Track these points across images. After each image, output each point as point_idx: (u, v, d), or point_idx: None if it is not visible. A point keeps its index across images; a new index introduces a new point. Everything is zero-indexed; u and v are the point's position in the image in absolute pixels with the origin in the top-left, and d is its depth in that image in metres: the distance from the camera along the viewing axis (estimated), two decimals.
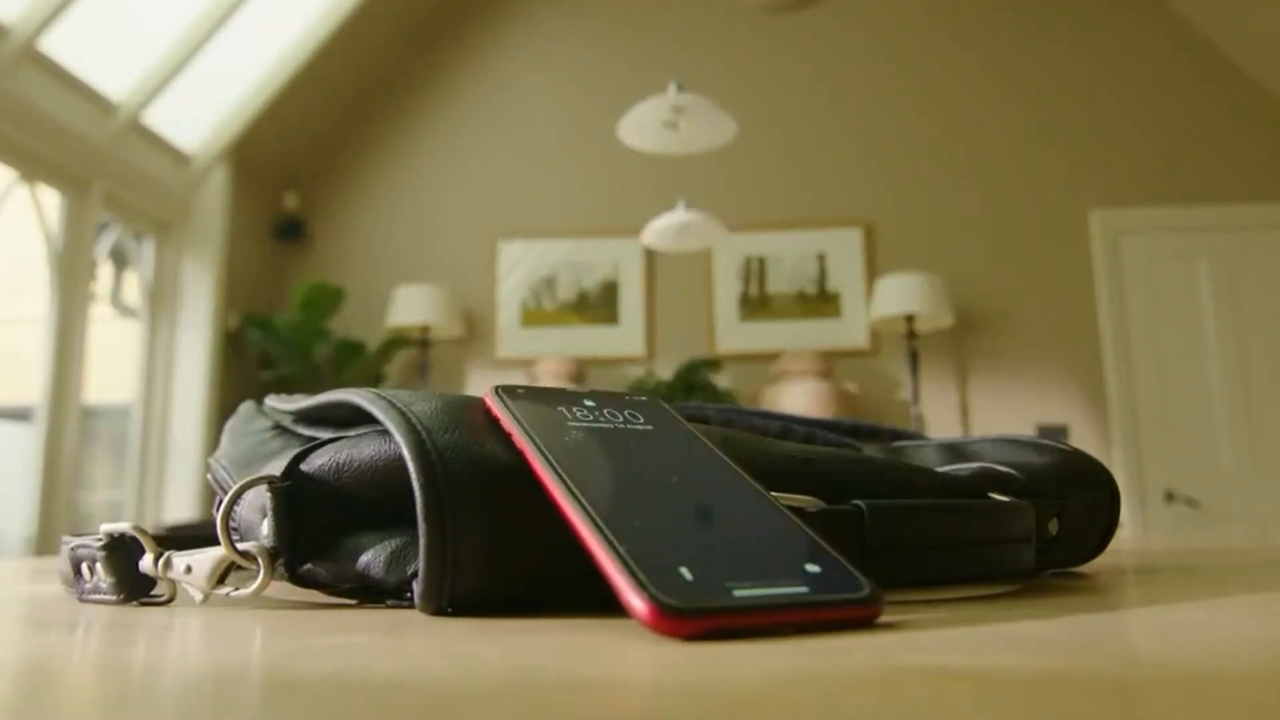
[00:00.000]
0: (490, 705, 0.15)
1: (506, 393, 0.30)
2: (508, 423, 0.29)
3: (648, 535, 0.23)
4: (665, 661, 0.19)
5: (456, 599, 0.26)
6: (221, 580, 0.30)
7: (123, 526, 0.32)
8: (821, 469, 0.33)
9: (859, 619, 0.22)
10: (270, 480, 0.30)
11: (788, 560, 0.24)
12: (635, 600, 0.21)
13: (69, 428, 2.78)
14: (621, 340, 3.62)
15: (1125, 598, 0.31)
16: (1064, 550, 0.38)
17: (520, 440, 0.28)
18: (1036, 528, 0.35)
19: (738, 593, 0.21)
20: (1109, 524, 0.42)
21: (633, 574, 0.21)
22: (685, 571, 0.22)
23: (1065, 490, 0.39)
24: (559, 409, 0.30)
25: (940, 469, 0.37)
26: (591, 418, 0.31)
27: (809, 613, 0.22)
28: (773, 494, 0.28)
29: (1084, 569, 0.43)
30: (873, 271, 3.56)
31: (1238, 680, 0.16)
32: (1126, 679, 0.16)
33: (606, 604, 0.25)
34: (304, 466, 0.31)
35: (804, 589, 0.22)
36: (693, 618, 0.20)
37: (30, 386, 2.79)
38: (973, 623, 0.24)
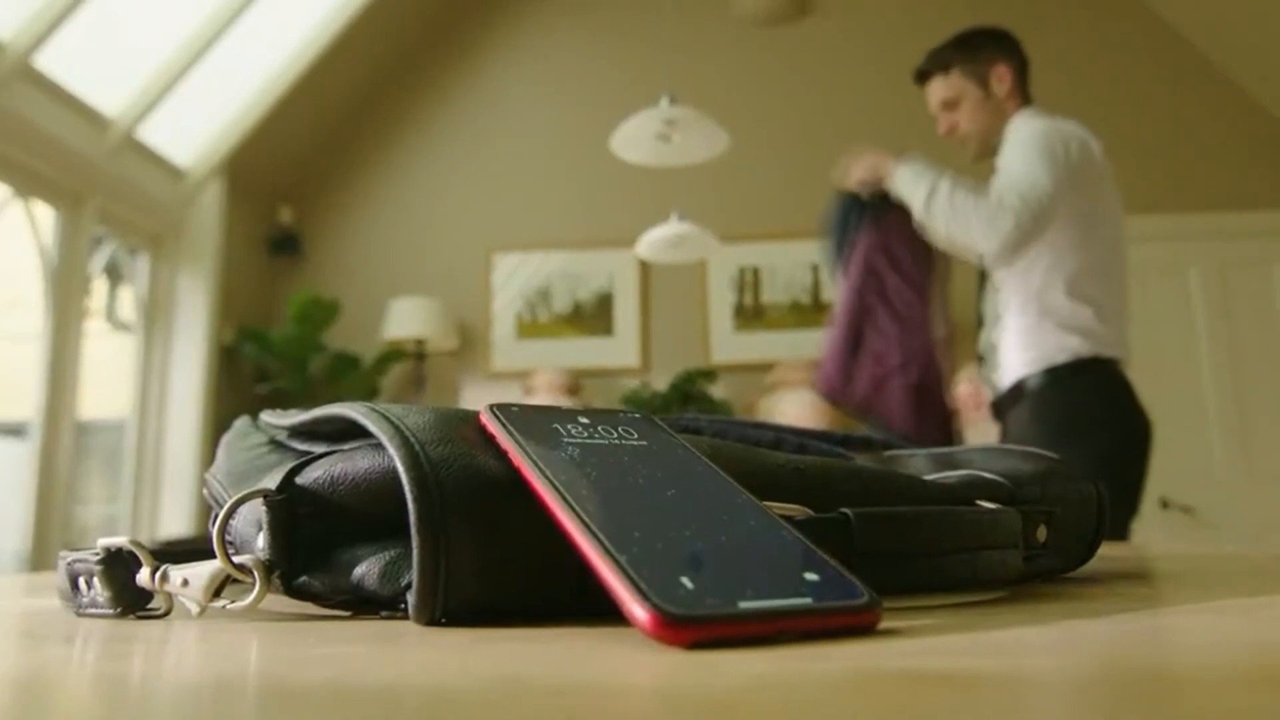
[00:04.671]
0: (484, 712, 0.15)
1: (502, 411, 0.31)
2: (504, 441, 0.29)
3: (647, 546, 0.23)
4: (654, 668, 0.19)
5: (450, 610, 0.27)
6: (218, 593, 0.30)
7: (119, 541, 0.32)
8: (811, 478, 0.33)
9: (859, 626, 0.23)
10: (265, 494, 0.30)
11: (787, 569, 0.24)
12: (637, 609, 0.21)
13: (64, 443, 2.78)
14: (617, 352, 3.62)
15: (1113, 603, 0.31)
16: (1052, 557, 0.39)
17: (517, 457, 0.28)
18: (1025, 535, 0.36)
19: (740, 602, 0.22)
20: (1097, 531, 0.42)
21: (634, 584, 0.21)
22: (686, 581, 0.22)
23: (1053, 498, 0.39)
24: (554, 426, 0.31)
25: (929, 477, 0.38)
26: (586, 434, 0.31)
27: (810, 620, 0.22)
28: (765, 503, 0.28)
29: (1073, 575, 0.44)
30: None
31: (1220, 682, 0.16)
32: (1108, 681, 0.17)
33: (598, 614, 0.26)
34: (299, 480, 0.31)
35: (805, 597, 0.23)
36: (695, 625, 0.21)
37: (25, 402, 2.79)
38: (957, 628, 0.24)
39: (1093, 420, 1.61)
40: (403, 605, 0.29)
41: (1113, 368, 1.65)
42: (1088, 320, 1.64)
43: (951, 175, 1.66)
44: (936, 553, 0.31)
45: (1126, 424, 1.64)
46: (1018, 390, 1.69)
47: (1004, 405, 1.74)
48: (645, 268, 3.65)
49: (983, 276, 1.85)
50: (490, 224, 3.78)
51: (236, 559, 0.30)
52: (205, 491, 0.39)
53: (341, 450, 0.32)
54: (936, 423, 1.81)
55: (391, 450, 0.28)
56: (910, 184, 1.67)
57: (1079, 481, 0.42)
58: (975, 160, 1.87)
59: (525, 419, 0.31)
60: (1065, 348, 1.63)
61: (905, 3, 3.83)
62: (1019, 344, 1.69)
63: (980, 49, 1.80)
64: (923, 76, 1.87)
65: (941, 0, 3.82)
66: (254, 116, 3.43)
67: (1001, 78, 1.78)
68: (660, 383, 3.50)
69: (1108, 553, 0.69)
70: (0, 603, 0.42)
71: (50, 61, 2.71)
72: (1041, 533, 0.37)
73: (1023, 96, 1.81)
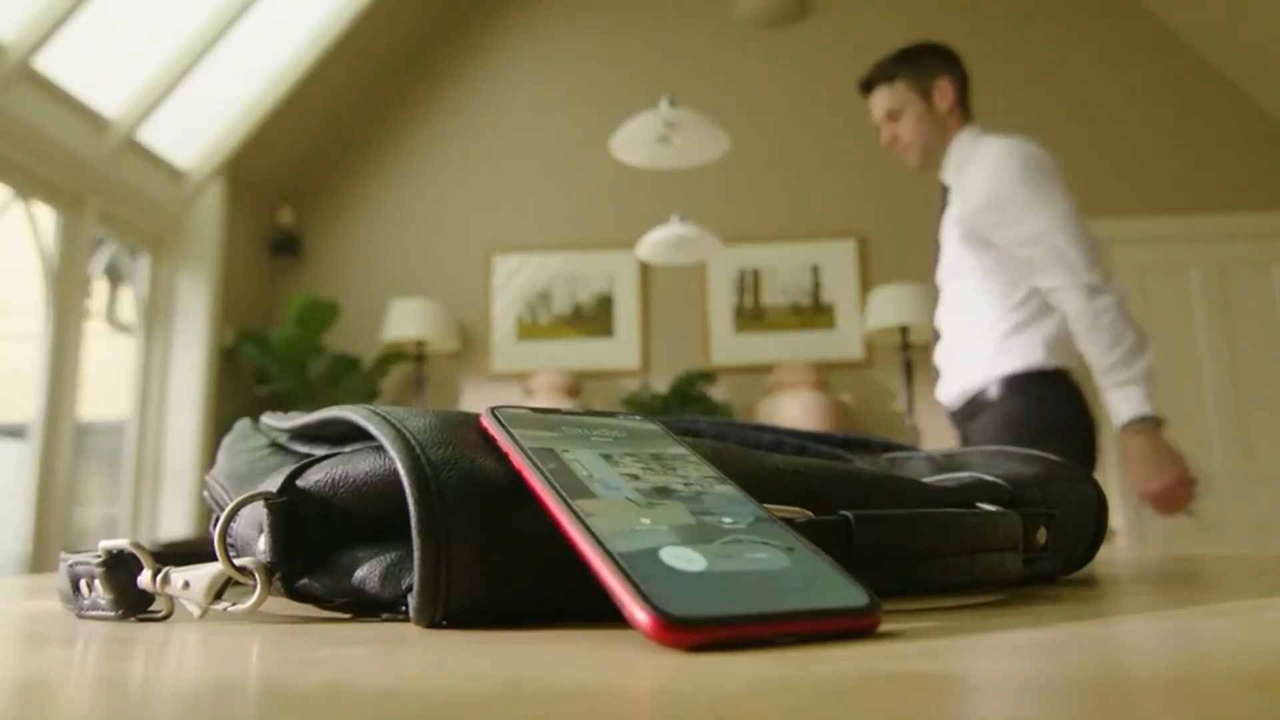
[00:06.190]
0: (485, 714, 0.15)
1: (502, 414, 0.31)
2: (504, 443, 0.29)
3: (648, 549, 0.24)
4: (654, 670, 0.19)
5: (451, 612, 0.27)
6: (219, 595, 0.30)
7: (121, 543, 0.32)
8: (812, 481, 0.33)
9: (860, 629, 0.23)
10: (267, 496, 0.30)
11: (788, 572, 0.24)
12: (638, 612, 0.21)
13: (64, 444, 2.78)
14: (617, 353, 3.62)
15: (1111, 605, 0.31)
16: (1052, 559, 0.39)
17: (518, 460, 0.28)
18: (1024, 537, 0.36)
19: (741, 604, 0.22)
20: (1097, 533, 0.42)
21: (635, 586, 0.22)
22: (687, 583, 0.22)
23: (1053, 500, 0.39)
24: (554, 429, 0.31)
25: (929, 479, 0.38)
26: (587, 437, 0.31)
27: (811, 623, 0.22)
28: (765, 505, 0.28)
29: (1073, 577, 0.44)
30: (866, 283, 3.57)
31: (1221, 685, 0.16)
32: (1104, 682, 0.17)
33: (599, 616, 0.26)
34: (300, 482, 0.31)
35: (806, 600, 0.23)
36: (696, 628, 0.21)
37: (25, 403, 2.79)
38: (957, 631, 0.24)
39: (1066, 428, 1.68)
40: (404, 608, 0.29)
41: (1074, 376, 1.72)
42: (1062, 330, 1.69)
43: (1114, 365, 1.58)
44: (936, 555, 0.31)
45: (1091, 431, 1.70)
46: (984, 398, 1.73)
47: (966, 414, 1.79)
48: (645, 269, 3.65)
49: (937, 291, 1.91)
50: (490, 225, 3.78)
51: (238, 561, 0.30)
52: (206, 494, 0.39)
53: (343, 453, 0.32)
54: None
55: (393, 453, 0.28)
56: (1143, 405, 1.55)
57: (1079, 483, 0.42)
58: (920, 170, 1.92)
59: (526, 421, 0.31)
60: (1042, 356, 1.69)
61: (905, 3, 3.83)
62: (993, 353, 1.72)
63: (924, 63, 1.85)
64: (867, 87, 1.91)
65: (940, 2, 3.82)
66: (254, 118, 3.43)
67: (944, 92, 1.83)
68: (660, 384, 3.50)
69: (1107, 555, 0.69)
70: (1, 605, 0.42)
71: (51, 63, 2.72)
72: (1041, 535, 0.37)
73: (964, 112, 1.86)
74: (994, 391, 1.71)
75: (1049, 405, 1.69)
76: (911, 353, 3.43)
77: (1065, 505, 0.40)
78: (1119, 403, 1.55)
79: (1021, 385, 1.68)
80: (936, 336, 1.91)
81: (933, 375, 1.93)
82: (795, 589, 0.23)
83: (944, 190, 1.89)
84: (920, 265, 3.55)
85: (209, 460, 3.26)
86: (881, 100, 1.87)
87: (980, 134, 1.81)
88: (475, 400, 3.63)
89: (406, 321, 3.47)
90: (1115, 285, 1.60)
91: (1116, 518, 3.23)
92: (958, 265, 1.79)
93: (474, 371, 3.68)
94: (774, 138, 3.75)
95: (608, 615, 0.24)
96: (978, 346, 1.74)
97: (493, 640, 0.24)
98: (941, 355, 1.86)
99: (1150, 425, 1.53)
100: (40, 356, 2.77)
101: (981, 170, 1.72)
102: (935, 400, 3.44)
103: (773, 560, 0.24)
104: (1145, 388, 1.54)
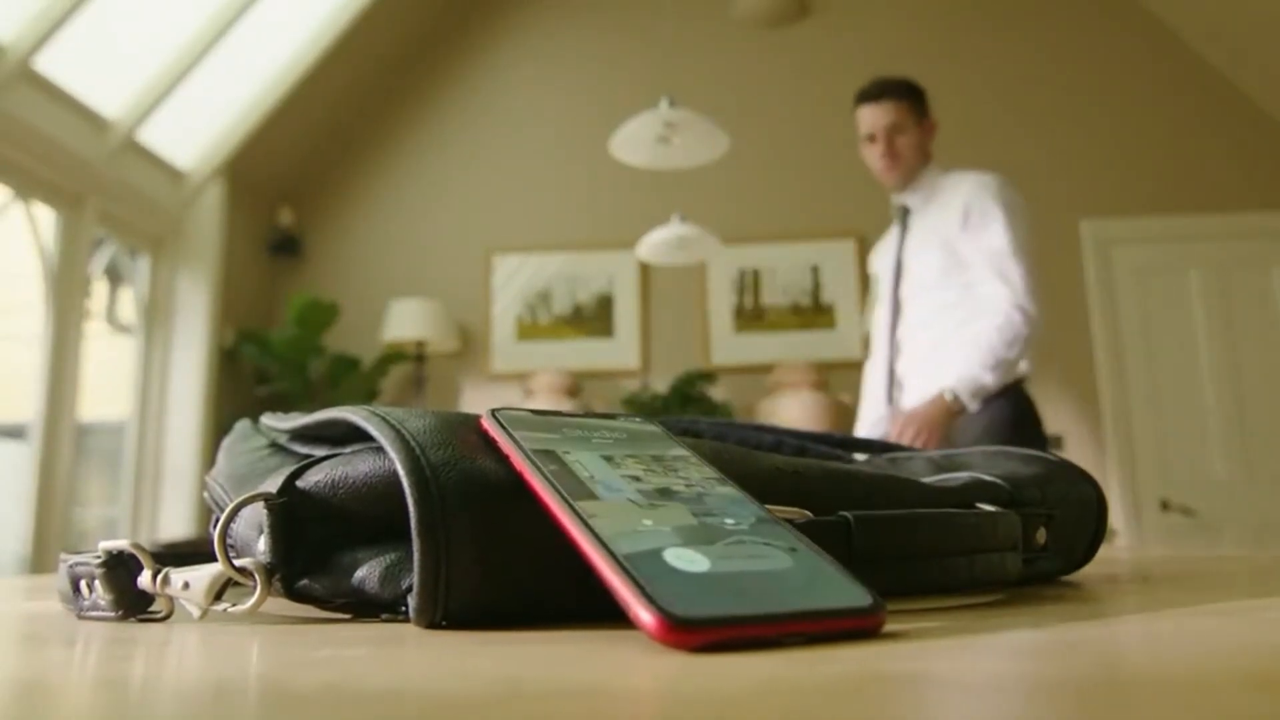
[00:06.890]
0: (485, 715, 0.15)
1: (503, 415, 0.31)
2: (505, 445, 0.29)
3: (651, 550, 0.24)
4: (656, 671, 0.19)
5: (451, 612, 0.27)
6: (219, 596, 0.30)
7: (121, 544, 0.32)
8: (811, 481, 0.33)
9: (863, 629, 0.23)
10: (266, 497, 0.30)
11: (790, 572, 0.24)
12: (643, 613, 0.21)
13: (64, 445, 2.78)
14: (617, 353, 3.62)
15: (1112, 605, 0.31)
16: (1052, 559, 0.39)
17: (519, 462, 0.28)
18: (1024, 537, 0.36)
19: (745, 605, 0.22)
20: (1096, 533, 0.42)
21: (639, 588, 0.22)
22: (691, 584, 0.22)
23: (1052, 500, 0.39)
24: (555, 430, 0.31)
25: (928, 479, 0.38)
26: (587, 438, 0.31)
27: (814, 623, 0.22)
28: (766, 506, 0.28)
29: (1073, 577, 0.44)
30: (866, 283, 3.57)
31: (1220, 685, 0.16)
32: (1105, 683, 0.17)
33: (599, 616, 0.26)
34: (300, 483, 0.31)
35: (808, 600, 0.23)
36: (700, 629, 0.21)
37: (25, 404, 2.79)
38: (959, 631, 0.24)
39: (1038, 424, 1.91)
40: (404, 608, 0.29)
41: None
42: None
43: (973, 370, 1.84)
44: (936, 555, 0.31)
45: (1043, 434, 1.94)
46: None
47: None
48: (645, 269, 3.65)
49: (896, 308, 2.07)
50: (490, 225, 3.78)
51: (238, 562, 0.30)
52: (206, 494, 0.39)
53: (342, 454, 0.32)
54: None
55: (392, 454, 0.28)
56: (979, 392, 1.84)
57: (1079, 483, 0.42)
58: (895, 188, 2.07)
59: (526, 423, 0.31)
60: (1024, 364, 1.90)
61: (905, 4, 3.84)
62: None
63: (922, 98, 2.05)
64: (873, 97, 2.04)
65: (941, 2, 3.82)
66: (254, 118, 3.43)
67: (930, 128, 2.05)
68: (660, 384, 3.50)
69: (1107, 555, 0.69)
70: (1, 605, 0.42)
71: (51, 64, 2.72)
72: (1041, 535, 0.37)
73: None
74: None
75: (1024, 405, 1.90)
76: None
77: (1065, 505, 0.40)
78: (963, 373, 1.81)
79: (1004, 388, 1.86)
80: (895, 351, 2.06)
81: (896, 385, 2.06)
82: (799, 589, 0.23)
83: (904, 214, 2.06)
84: None
85: (209, 460, 3.25)
86: (888, 112, 2.02)
87: (944, 170, 2.03)
88: (475, 401, 3.63)
89: (406, 322, 3.47)
90: (1036, 323, 1.85)
91: (1116, 518, 3.23)
92: (938, 279, 1.94)
93: (474, 372, 3.68)
94: (774, 138, 3.75)
95: (608, 616, 0.24)
96: (967, 352, 1.87)
97: (493, 640, 0.24)
98: (910, 364, 2.00)
99: (951, 403, 1.82)
100: (40, 357, 2.77)
101: (964, 187, 1.93)
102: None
103: (776, 561, 0.24)
104: (974, 388, 1.81)
